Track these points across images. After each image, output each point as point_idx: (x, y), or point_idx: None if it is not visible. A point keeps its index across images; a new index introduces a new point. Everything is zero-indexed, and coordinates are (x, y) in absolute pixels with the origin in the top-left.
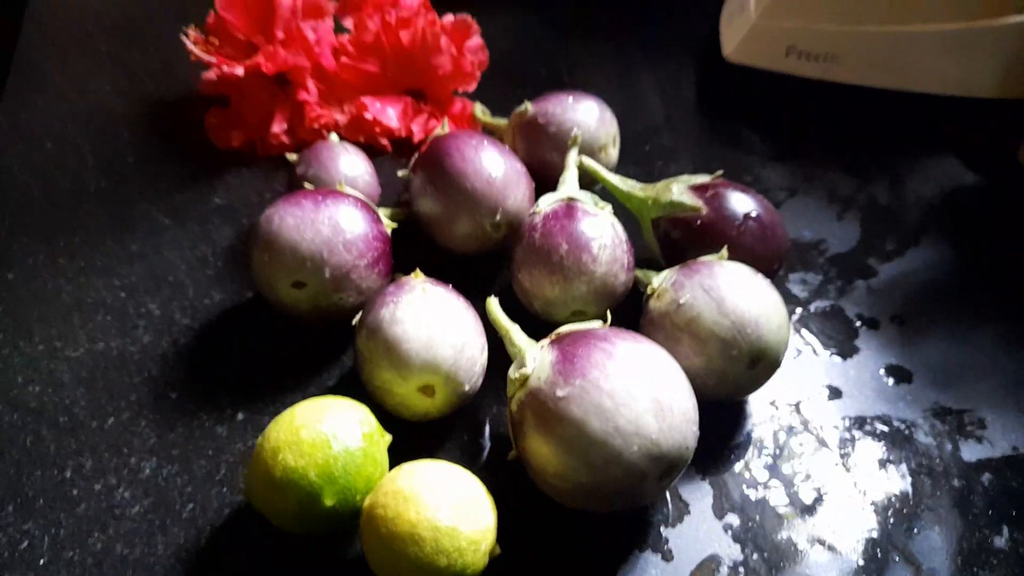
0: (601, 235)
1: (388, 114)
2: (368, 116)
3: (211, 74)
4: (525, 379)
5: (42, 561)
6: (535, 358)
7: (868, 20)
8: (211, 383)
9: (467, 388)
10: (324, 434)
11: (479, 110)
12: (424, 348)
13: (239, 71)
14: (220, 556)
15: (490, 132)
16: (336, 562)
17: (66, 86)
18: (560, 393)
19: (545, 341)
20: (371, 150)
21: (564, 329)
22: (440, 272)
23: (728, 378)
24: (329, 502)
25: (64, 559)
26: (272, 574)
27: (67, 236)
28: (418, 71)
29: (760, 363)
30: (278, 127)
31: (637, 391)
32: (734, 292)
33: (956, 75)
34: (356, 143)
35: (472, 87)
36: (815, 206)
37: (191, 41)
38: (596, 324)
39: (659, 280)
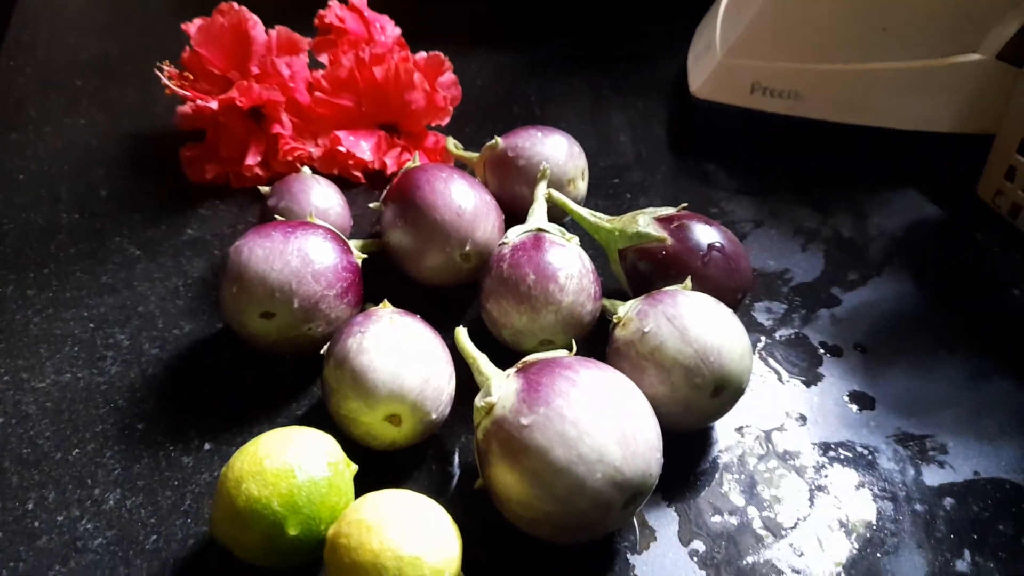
0: (568, 265)
1: (361, 147)
2: (342, 149)
3: (186, 108)
4: (491, 407)
5: None
6: (500, 387)
7: (829, 59)
8: (179, 414)
9: (434, 417)
10: (288, 464)
11: (451, 144)
12: (390, 377)
13: (214, 105)
14: None
15: (462, 166)
16: None
17: (41, 122)
18: (524, 421)
19: (511, 370)
20: (345, 183)
21: (531, 358)
22: (410, 303)
23: (692, 406)
24: (293, 532)
25: None
26: None
27: (37, 268)
28: (392, 106)
29: (724, 391)
30: (252, 160)
31: (600, 419)
32: (697, 321)
33: (917, 111)
34: (330, 176)
35: (445, 121)
36: (780, 238)
37: (166, 76)
38: (562, 353)
39: (624, 309)
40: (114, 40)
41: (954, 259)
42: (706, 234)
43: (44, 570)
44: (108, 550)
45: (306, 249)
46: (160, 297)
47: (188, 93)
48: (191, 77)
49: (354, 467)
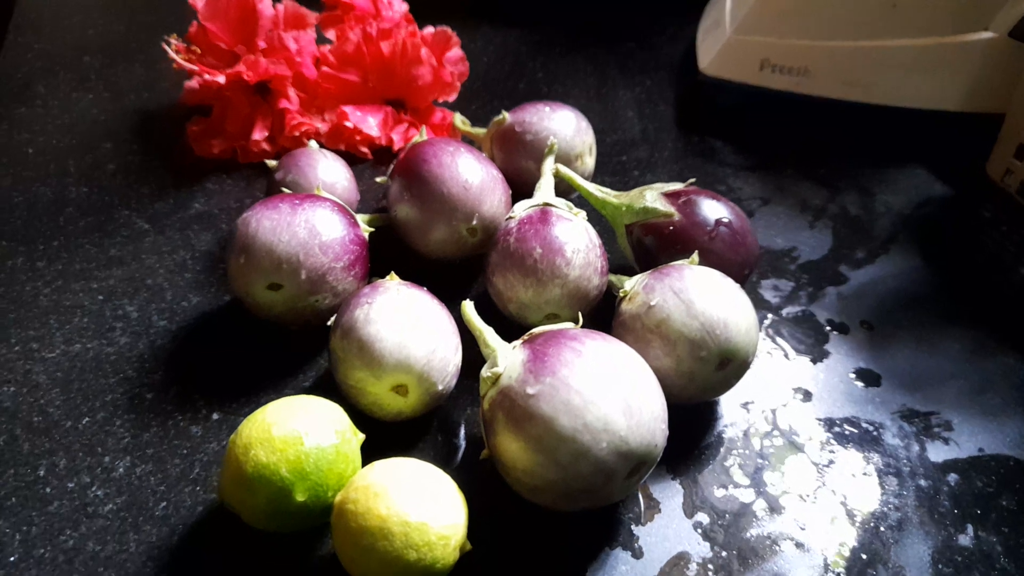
0: (575, 240)
1: (368, 123)
2: (348, 124)
3: (193, 83)
4: (497, 378)
5: (12, 558)
6: (507, 357)
7: (839, 36)
8: (187, 384)
9: (440, 388)
10: (296, 431)
11: (459, 119)
12: (397, 348)
13: (221, 79)
14: (192, 554)
15: (469, 141)
16: (307, 560)
17: (49, 97)
18: (530, 391)
19: (517, 342)
20: (351, 158)
21: (537, 330)
22: (417, 277)
23: (697, 379)
24: (300, 498)
25: (35, 556)
26: (244, 572)
27: (46, 241)
28: (399, 81)
29: (729, 364)
30: (259, 135)
31: (606, 389)
32: (703, 295)
33: (925, 89)
34: (336, 151)
35: (452, 97)
36: (787, 215)
37: (173, 50)
38: (568, 325)
39: (631, 284)
40: (120, 18)
41: (961, 237)
42: (714, 209)
43: (55, 534)
44: (118, 516)
45: (313, 221)
46: (168, 270)
47: (195, 67)
48: (198, 51)
49: (361, 436)
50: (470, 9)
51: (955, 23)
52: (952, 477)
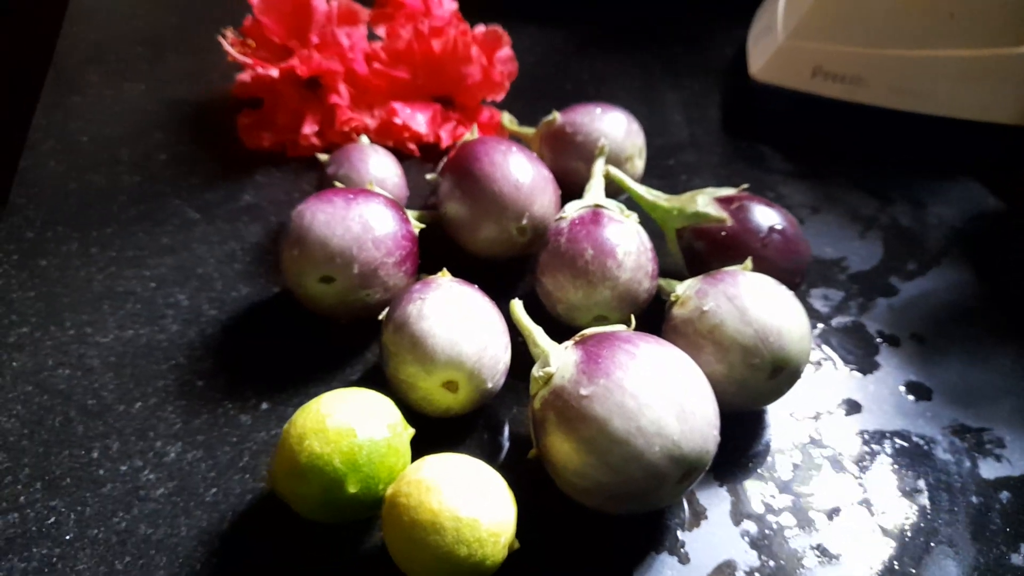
0: (626, 242)
1: (417, 120)
2: (398, 121)
3: (246, 75)
4: (549, 377)
5: (68, 537)
6: (559, 357)
7: (894, 44)
8: (237, 373)
9: (490, 385)
10: (350, 423)
11: (507, 119)
12: (449, 344)
13: (274, 72)
14: (242, 541)
15: (518, 140)
16: (357, 551)
17: (102, 88)
18: (584, 392)
19: (569, 342)
20: (399, 155)
21: (588, 332)
22: (465, 275)
23: (749, 386)
24: (352, 489)
25: (89, 536)
26: (293, 560)
27: (99, 228)
28: (448, 79)
29: (782, 373)
30: (309, 129)
31: (660, 393)
32: (758, 301)
33: (979, 101)
34: (384, 147)
35: (500, 96)
36: (837, 224)
37: (228, 43)
38: (620, 328)
39: (683, 288)
40: (171, 11)
41: (1014, 251)
42: (767, 216)
43: (108, 516)
44: (169, 500)
45: (367, 216)
46: (218, 260)
47: (249, 61)
48: (252, 45)
49: (411, 430)
50: (515, 8)
51: (1012, 34)
52: (1004, 495)
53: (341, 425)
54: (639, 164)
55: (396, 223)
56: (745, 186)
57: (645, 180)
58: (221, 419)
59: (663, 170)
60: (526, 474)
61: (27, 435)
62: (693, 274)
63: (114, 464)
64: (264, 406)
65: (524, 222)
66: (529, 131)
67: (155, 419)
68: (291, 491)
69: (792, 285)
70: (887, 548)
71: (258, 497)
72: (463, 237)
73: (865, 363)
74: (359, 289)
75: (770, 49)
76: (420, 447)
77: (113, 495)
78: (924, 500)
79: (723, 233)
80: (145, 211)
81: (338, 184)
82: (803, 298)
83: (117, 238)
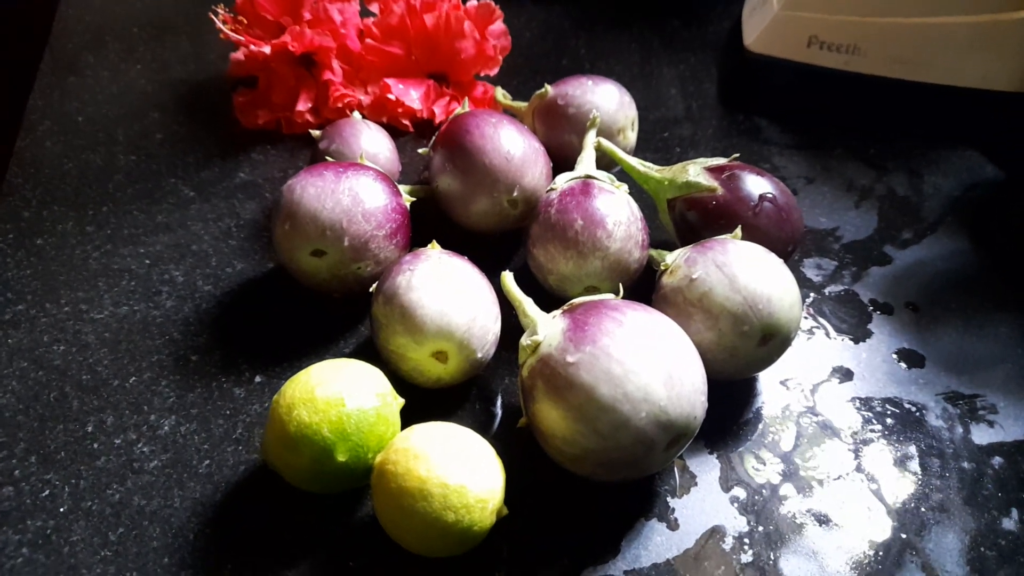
0: (617, 212)
1: (411, 96)
2: (391, 97)
3: (239, 54)
4: (537, 345)
5: (62, 509)
6: (547, 326)
7: (891, 12)
8: (231, 347)
9: (479, 355)
10: (338, 392)
11: (500, 93)
12: (439, 314)
13: (266, 50)
14: (235, 511)
15: (511, 115)
16: (349, 520)
17: (99, 68)
18: (571, 359)
19: (557, 312)
20: (393, 131)
21: (577, 300)
22: (457, 249)
23: (739, 354)
24: (342, 458)
25: (84, 508)
26: (285, 530)
27: (95, 206)
28: (441, 55)
29: (771, 340)
30: (303, 106)
31: (647, 359)
32: (747, 269)
33: (978, 68)
34: (379, 123)
35: (494, 71)
36: (832, 195)
37: (220, 21)
38: (609, 296)
39: (672, 257)
40: None
41: (1012, 221)
42: (758, 185)
43: (103, 488)
44: (163, 472)
45: (357, 189)
46: (213, 237)
47: (242, 38)
48: (245, 22)
49: (401, 400)
50: None
51: (1011, 0)
52: (997, 460)
53: (330, 395)
54: (631, 136)
55: (387, 196)
56: (736, 155)
57: (640, 154)
58: (215, 392)
59: (658, 143)
60: (517, 443)
61: (23, 410)
62: (684, 244)
63: (108, 438)
64: (258, 379)
65: (515, 194)
66: (522, 105)
67: (149, 393)
68: (281, 461)
69: (784, 254)
70: (878, 514)
71: (251, 468)
72: (455, 211)
73: (858, 331)
74: (351, 262)
75: (765, 20)
76: (412, 418)
77: (107, 468)
78: (916, 466)
79: (714, 203)
80: (141, 190)
81: (330, 159)
82: (796, 267)
83: (113, 216)
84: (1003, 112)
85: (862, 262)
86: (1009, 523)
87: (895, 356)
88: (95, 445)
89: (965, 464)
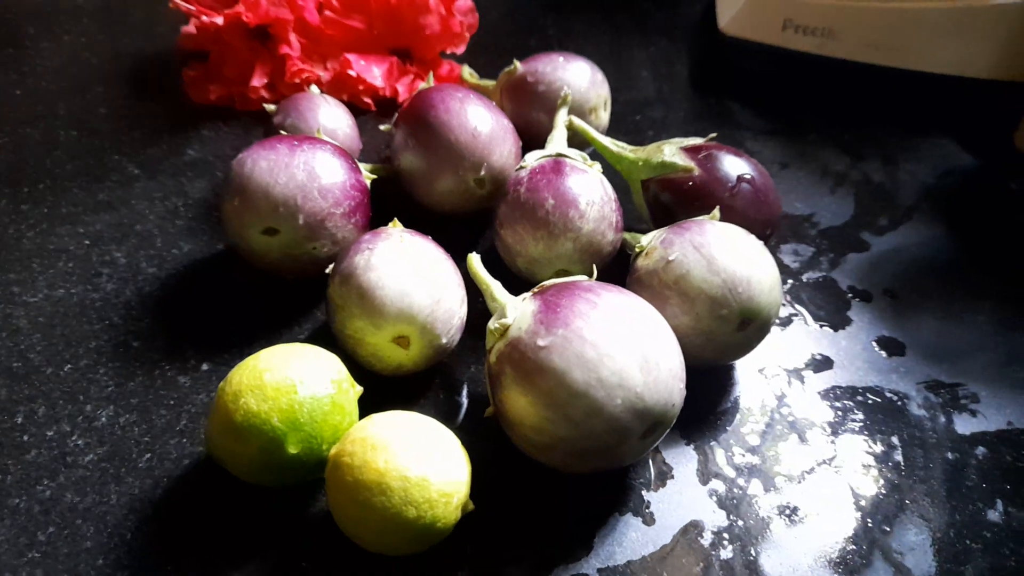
0: (589, 192)
1: (373, 72)
2: (352, 73)
3: (191, 27)
4: (505, 329)
5: None
6: (516, 309)
7: None
8: (176, 333)
9: (444, 341)
10: (290, 379)
11: (467, 72)
12: (399, 296)
13: (219, 20)
14: (177, 508)
15: None
16: (301, 516)
17: (39, 38)
18: (541, 343)
19: (527, 294)
20: (354, 109)
21: (548, 282)
22: (421, 231)
23: (717, 339)
24: (293, 450)
25: (9, 506)
26: (232, 528)
27: (32, 184)
28: (405, 30)
29: (750, 325)
30: (258, 81)
31: (622, 343)
32: (725, 250)
33: (953, 55)
34: (339, 101)
35: (460, 49)
36: (808, 180)
37: None
38: (582, 277)
39: (647, 239)
40: None
41: (987, 207)
42: (735, 165)
43: (32, 483)
44: (99, 467)
45: (313, 164)
46: (159, 216)
47: (193, 8)
48: None
49: (359, 388)
50: None
51: None
52: (980, 450)
53: (280, 381)
54: (604, 116)
55: (345, 172)
56: (713, 135)
57: (612, 136)
58: (158, 381)
59: (629, 125)
60: (484, 434)
61: None
62: (659, 227)
63: (40, 429)
64: (204, 367)
65: (482, 173)
66: (490, 84)
67: (85, 381)
68: (227, 452)
69: (763, 237)
70: (860, 505)
71: (196, 462)
72: (419, 190)
73: (836, 319)
74: (305, 241)
75: (739, 1)
76: (370, 408)
77: (38, 462)
78: (898, 456)
79: (690, 183)
80: (82, 167)
81: (284, 134)
82: (773, 253)
83: (50, 194)
84: (977, 99)
85: (839, 248)
86: (994, 514)
87: (875, 344)
88: (25, 437)
89: (948, 454)
